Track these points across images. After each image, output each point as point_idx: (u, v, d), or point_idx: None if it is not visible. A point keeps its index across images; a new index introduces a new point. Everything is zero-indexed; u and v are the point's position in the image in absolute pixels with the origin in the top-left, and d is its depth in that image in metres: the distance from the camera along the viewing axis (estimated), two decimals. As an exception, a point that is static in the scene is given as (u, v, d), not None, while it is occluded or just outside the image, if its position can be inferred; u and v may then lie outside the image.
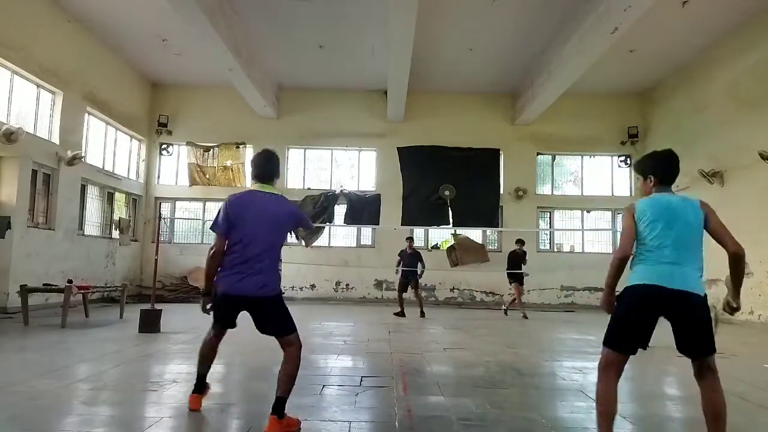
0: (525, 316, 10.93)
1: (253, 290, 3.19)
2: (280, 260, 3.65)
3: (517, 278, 11.34)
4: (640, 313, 2.69)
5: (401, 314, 10.61)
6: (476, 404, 3.82)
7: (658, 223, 2.73)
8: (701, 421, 2.62)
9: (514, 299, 11.51)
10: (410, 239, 11.47)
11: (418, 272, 10.99)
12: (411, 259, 10.99)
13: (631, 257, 2.80)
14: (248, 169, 14.68)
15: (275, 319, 3.27)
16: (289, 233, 3.73)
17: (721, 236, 2.71)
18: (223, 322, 3.42)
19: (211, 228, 3.39)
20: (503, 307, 11.84)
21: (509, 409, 3.74)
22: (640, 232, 2.77)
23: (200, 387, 3.58)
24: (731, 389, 4.49)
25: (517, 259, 11.52)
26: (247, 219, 3.26)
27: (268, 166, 3.48)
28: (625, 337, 2.70)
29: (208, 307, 3.36)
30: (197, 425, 3.32)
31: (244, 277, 3.19)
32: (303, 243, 14.51)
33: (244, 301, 3.24)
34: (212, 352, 3.56)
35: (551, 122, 14.58)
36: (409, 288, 10.96)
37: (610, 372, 2.71)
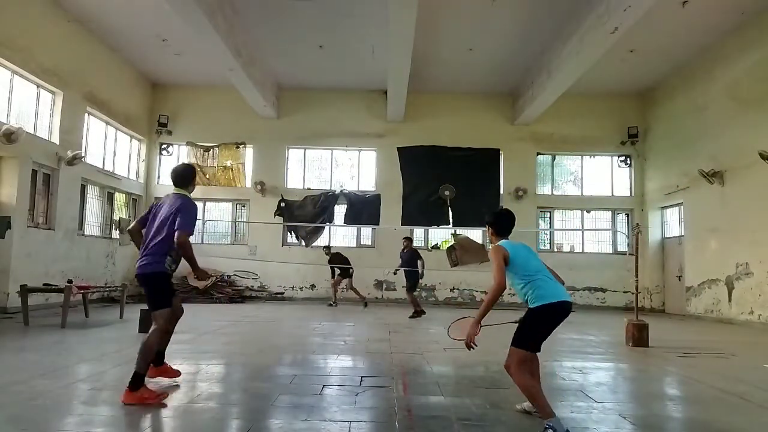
0: (332, 304, 12.86)
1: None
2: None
3: (348, 273, 13.13)
4: None
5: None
6: (476, 404, 3.82)
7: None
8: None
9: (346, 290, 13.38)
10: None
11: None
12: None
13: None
14: (248, 170, 14.85)
15: None
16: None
17: None
18: None
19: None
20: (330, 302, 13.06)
21: (509, 409, 3.73)
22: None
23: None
24: (731, 389, 4.50)
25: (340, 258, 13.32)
26: None
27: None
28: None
29: None
30: (197, 425, 3.32)
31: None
32: (303, 243, 14.51)
33: None
34: None
35: (551, 122, 14.57)
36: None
37: None
